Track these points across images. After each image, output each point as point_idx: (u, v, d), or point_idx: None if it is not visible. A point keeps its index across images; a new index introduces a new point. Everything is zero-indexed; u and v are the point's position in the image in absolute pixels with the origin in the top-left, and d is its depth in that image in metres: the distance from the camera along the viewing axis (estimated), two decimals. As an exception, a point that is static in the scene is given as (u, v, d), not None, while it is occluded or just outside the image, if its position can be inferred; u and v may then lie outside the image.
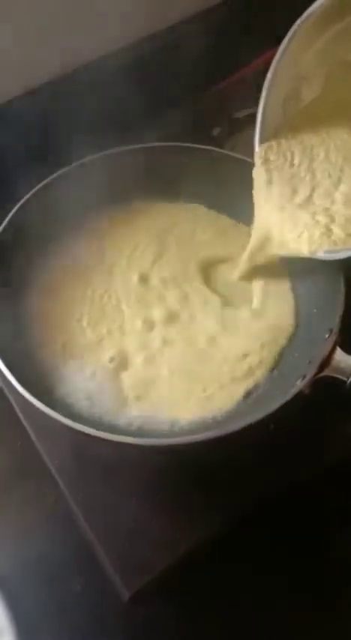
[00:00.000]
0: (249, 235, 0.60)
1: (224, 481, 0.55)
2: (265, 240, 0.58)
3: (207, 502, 0.55)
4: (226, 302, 0.62)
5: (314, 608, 0.56)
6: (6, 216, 0.58)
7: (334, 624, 0.55)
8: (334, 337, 0.50)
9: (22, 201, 0.59)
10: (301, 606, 0.56)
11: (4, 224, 0.58)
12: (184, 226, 0.67)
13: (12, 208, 0.59)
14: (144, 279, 0.62)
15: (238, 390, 0.56)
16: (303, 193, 0.55)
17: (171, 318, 0.60)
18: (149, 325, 0.59)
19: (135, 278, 0.62)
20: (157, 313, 0.60)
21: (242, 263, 0.61)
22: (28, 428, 0.59)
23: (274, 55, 0.91)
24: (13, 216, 0.58)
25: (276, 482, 0.56)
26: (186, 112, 0.83)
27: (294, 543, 0.58)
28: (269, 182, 0.57)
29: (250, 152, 0.76)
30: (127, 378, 0.56)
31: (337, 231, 0.52)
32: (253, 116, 0.81)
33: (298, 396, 0.48)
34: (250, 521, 0.57)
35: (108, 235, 0.64)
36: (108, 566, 0.52)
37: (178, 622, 0.55)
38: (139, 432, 0.53)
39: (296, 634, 0.55)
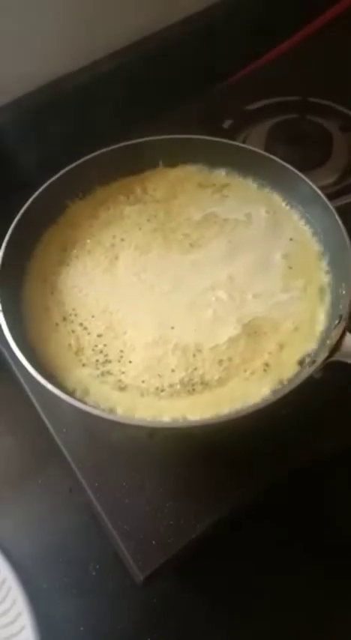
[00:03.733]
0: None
1: (238, 465, 0.56)
2: None
3: (221, 486, 0.55)
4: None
5: (331, 595, 0.57)
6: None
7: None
8: (344, 323, 0.50)
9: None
10: (318, 593, 0.57)
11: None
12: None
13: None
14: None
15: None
16: None
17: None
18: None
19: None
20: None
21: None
22: (44, 418, 0.60)
23: (286, 46, 0.92)
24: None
25: (290, 465, 0.57)
26: (198, 105, 0.83)
27: (311, 530, 0.59)
28: None
29: (262, 144, 0.77)
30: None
31: None
32: (266, 108, 0.83)
33: (309, 380, 0.48)
34: (265, 506, 0.58)
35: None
36: (122, 549, 0.53)
37: (193, 604, 0.56)
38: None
39: (313, 619, 0.56)
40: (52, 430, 0.59)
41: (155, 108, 0.78)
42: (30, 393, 0.61)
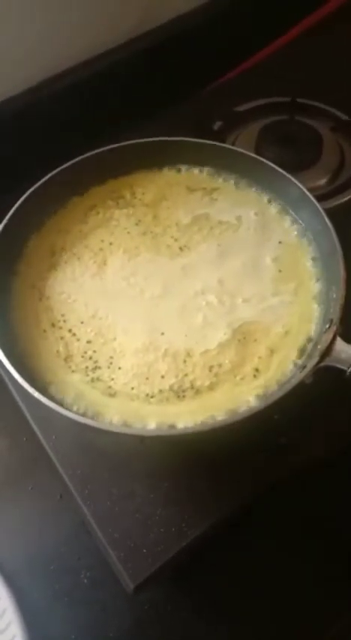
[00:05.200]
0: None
1: (230, 470, 0.56)
2: None
3: (212, 492, 0.55)
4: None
5: (331, 596, 0.57)
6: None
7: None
8: (334, 328, 0.50)
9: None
10: (318, 594, 0.57)
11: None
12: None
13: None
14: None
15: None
16: None
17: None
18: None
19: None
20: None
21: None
22: (33, 424, 0.60)
23: (274, 48, 0.92)
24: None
25: (283, 469, 0.57)
26: (187, 107, 0.83)
27: (302, 533, 0.59)
28: None
29: (252, 145, 0.77)
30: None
31: None
32: (256, 109, 0.82)
33: (300, 386, 0.48)
34: (257, 511, 0.58)
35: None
36: (113, 558, 0.53)
37: (187, 609, 0.56)
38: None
39: (313, 619, 0.56)
40: (41, 437, 0.58)
41: (144, 110, 0.77)
42: (19, 400, 0.60)
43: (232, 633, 0.56)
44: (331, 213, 0.57)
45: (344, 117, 0.81)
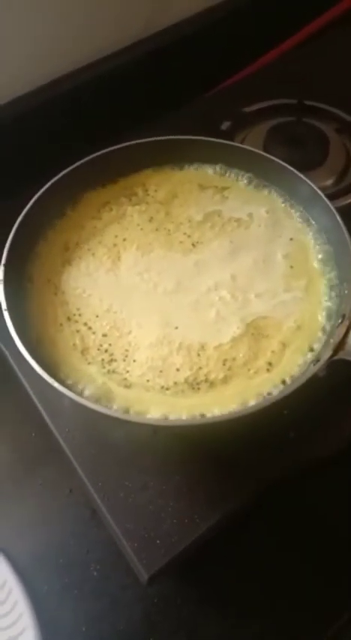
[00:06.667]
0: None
1: (241, 463, 0.56)
2: None
3: (224, 484, 0.56)
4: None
5: (334, 595, 0.57)
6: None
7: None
8: (347, 322, 0.50)
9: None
10: (316, 589, 0.57)
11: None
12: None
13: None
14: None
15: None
16: None
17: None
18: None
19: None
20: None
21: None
22: (46, 418, 0.60)
23: (281, 50, 0.93)
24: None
25: (293, 464, 0.57)
26: (196, 107, 0.84)
27: (303, 533, 0.59)
28: None
29: (260, 145, 0.78)
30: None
31: None
32: (263, 110, 0.83)
33: (312, 379, 0.49)
34: (259, 511, 0.58)
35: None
36: (127, 549, 0.53)
37: (195, 602, 0.56)
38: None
39: (317, 619, 0.56)
40: (54, 430, 0.59)
41: (149, 113, 0.78)
42: (32, 394, 0.60)
43: (239, 627, 0.56)
44: (339, 213, 0.58)
45: (350, 118, 0.82)
